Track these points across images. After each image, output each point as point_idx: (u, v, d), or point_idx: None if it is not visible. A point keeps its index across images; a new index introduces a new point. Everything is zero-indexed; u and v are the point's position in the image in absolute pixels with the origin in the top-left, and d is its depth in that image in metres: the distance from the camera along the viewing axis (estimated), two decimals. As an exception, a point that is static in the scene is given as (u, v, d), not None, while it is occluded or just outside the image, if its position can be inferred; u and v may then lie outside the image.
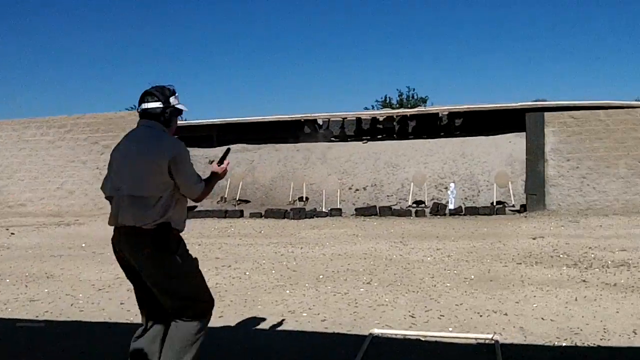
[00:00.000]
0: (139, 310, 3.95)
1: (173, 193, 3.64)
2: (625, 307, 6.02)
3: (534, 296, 6.56)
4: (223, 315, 6.14)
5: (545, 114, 15.72)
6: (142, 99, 3.77)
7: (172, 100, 3.80)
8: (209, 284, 7.52)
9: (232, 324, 5.83)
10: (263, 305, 6.55)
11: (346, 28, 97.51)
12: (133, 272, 3.73)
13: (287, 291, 7.13)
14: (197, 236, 12.59)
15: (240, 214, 17.11)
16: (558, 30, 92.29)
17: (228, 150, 4.18)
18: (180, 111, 3.90)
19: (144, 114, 3.77)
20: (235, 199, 19.85)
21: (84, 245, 11.57)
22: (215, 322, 5.93)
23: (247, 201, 20.00)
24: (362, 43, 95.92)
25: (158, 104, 3.73)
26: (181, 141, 3.74)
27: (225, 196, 19.98)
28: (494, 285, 7.16)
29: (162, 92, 3.78)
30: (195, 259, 3.82)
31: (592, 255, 8.95)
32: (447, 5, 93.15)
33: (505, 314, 5.88)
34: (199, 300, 3.81)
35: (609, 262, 8.41)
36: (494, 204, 16.76)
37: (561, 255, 9.05)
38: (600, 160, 15.31)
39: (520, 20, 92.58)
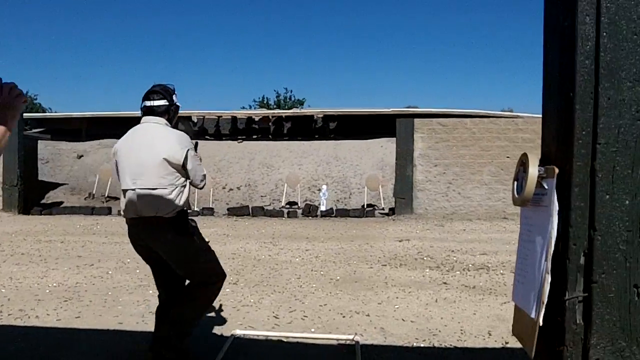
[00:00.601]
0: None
1: (185, 182, 4.02)
2: (482, 309, 6.22)
3: (397, 297, 6.66)
4: (80, 316, 5.87)
5: (415, 120, 16.14)
6: (147, 97, 4.06)
7: (174, 98, 4.15)
8: (68, 284, 7.19)
9: (90, 325, 5.56)
10: (124, 305, 6.28)
11: (226, 27, 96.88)
12: (150, 255, 4.12)
13: (150, 291, 6.87)
14: (61, 234, 12.01)
15: (108, 211, 16.50)
16: (431, 40, 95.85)
17: (196, 143, 4.36)
18: (179, 108, 4.24)
19: (149, 110, 4.05)
20: (104, 195, 19.10)
21: None
22: (71, 323, 5.66)
23: (116, 198, 19.27)
24: (242, 43, 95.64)
25: (164, 102, 4.05)
26: None
27: (94, 192, 19.19)
28: (359, 286, 7.22)
29: (167, 91, 4.11)
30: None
31: (454, 259, 9.24)
32: (326, 10, 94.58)
33: (368, 315, 5.93)
34: (216, 272, 4.22)
35: (470, 265, 8.70)
36: (365, 206, 17.05)
37: (425, 258, 9.28)
38: (466, 167, 15.89)
39: (393, 29, 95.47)
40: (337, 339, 5.12)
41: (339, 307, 6.22)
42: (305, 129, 23.01)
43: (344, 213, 16.12)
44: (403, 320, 5.79)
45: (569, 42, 1.61)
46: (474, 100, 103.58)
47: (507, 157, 15.79)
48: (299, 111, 26.18)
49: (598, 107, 1.57)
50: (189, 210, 4.17)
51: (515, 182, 1.84)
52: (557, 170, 1.65)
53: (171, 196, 3.90)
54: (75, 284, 7.24)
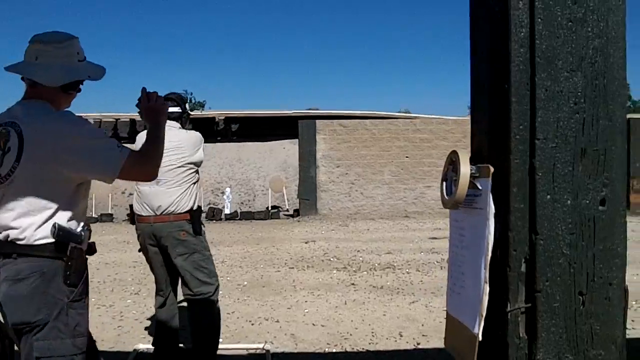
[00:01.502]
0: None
1: (198, 178, 4.35)
2: (391, 309, 6.19)
3: (305, 301, 6.54)
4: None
5: (317, 121, 16.14)
6: None
7: (187, 106, 4.48)
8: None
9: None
10: (14, 322, 5.85)
11: (125, 27, 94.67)
12: (157, 257, 4.22)
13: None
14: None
15: None
16: (330, 43, 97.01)
17: None
18: (190, 115, 4.59)
19: None
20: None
21: None
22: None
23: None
24: (140, 44, 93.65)
25: (177, 109, 4.32)
26: None
27: None
28: (267, 291, 7.06)
29: (181, 99, 4.43)
30: None
31: (361, 259, 9.22)
32: (223, 10, 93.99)
33: (277, 321, 5.77)
34: (215, 275, 4.31)
35: (376, 264, 8.69)
36: (269, 208, 16.90)
37: (332, 259, 9.22)
38: (367, 167, 16.01)
39: (293, 30, 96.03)
40: (247, 349, 4.94)
41: (248, 314, 6.04)
42: (206, 131, 22.50)
43: (248, 216, 15.93)
44: (313, 324, 5.67)
45: (501, 30, 1.50)
46: (372, 102, 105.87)
47: (407, 157, 16.04)
48: (200, 113, 25.70)
49: (535, 100, 1.46)
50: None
51: (444, 183, 1.71)
52: (492, 169, 1.52)
53: (188, 193, 4.18)
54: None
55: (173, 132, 4.17)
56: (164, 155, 4.11)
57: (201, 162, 4.37)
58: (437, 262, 8.77)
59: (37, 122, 2.21)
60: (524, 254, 1.48)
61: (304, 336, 5.31)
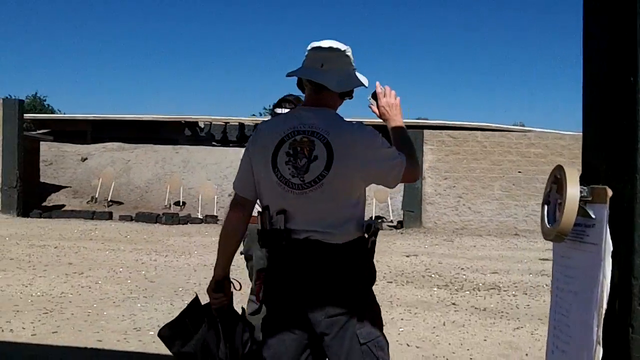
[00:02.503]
0: None
1: None
2: (493, 334, 5.79)
3: (401, 319, 6.24)
4: (58, 331, 5.48)
5: (425, 131, 15.72)
6: (279, 104, 4.32)
7: None
8: (53, 293, 6.81)
9: (66, 342, 5.17)
10: (107, 320, 5.89)
11: (240, 33, 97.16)
12: (259, 258, 4.18)
13: (139, 305, 6.49)
14: (56, 238, 11.65)
15: (109, 216, 16.13)
16: (443, 52, 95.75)
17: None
18: None
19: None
20: (107, 199, 18.77)
21: None
22: (46, 338, 5.26)
23: (120, 202, 18.96)
24: (254, 50, 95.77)
25: None
26: None
27: (97, 196, 18.86)
28: (362, 305, 6.80)
29: (299, 100, 4.25)
30: None
31: (464, 277, 8.80)
32: (335, 20, 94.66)
33: (370, 339, 5.51)
34: None
35: (480, 284, 8.26)
36: (373, 218, 16.62)
37: (433, 275, 8.85)
38: (476, 181, 15.46)
39: (405, 40, 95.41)
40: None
41: (339, 329, 5.80)
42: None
43: (350, 225, 15.71)
44: (407, 345, 5.37)
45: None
46: (484, 114, 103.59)
47: (519, 172, 15.36)
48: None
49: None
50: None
51: (546, 207, 1.35)
52: (610, 193, 1.15)
53: None
54: (60, 294, 6.86)
55: None
56: None
57: None
58: (547, 285, 8.21)
59: (344, 135, 2.37)
60: (654, 311, 1.08)
61: (396, 357, 5.00)
